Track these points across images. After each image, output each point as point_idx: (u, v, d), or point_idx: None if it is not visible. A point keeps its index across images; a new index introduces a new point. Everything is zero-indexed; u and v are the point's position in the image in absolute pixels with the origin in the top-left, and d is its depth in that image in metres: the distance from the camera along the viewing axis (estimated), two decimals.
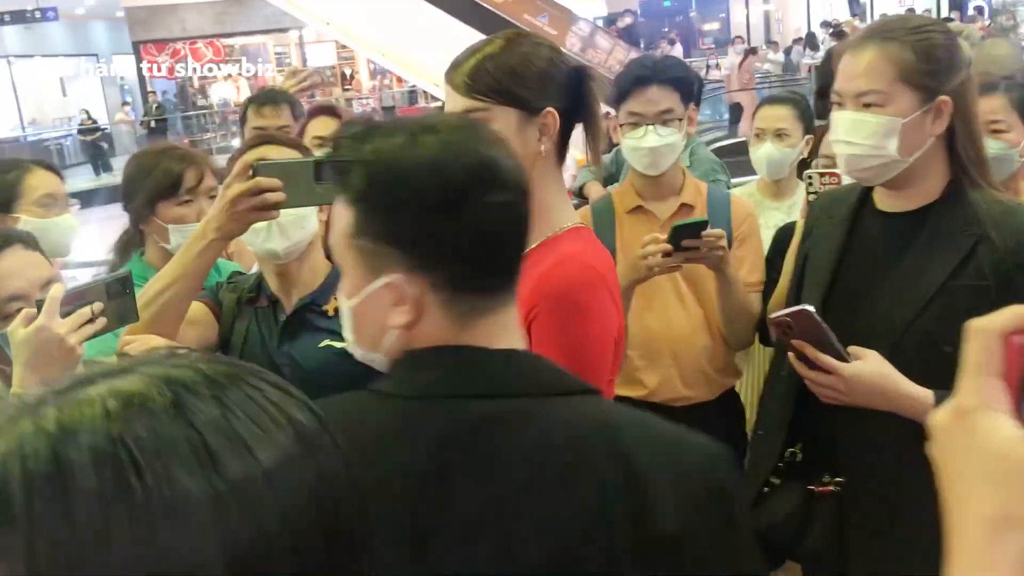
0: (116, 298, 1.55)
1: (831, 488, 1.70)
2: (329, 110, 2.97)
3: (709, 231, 1.98)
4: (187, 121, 20.61)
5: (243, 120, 2.99)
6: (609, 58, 14.02)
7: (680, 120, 2.22)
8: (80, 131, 19.00)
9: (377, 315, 0.97)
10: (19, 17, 18.80)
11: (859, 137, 1.60)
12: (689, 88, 2.26)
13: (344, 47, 25.64)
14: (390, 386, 0.97)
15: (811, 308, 1.54)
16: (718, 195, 2.35)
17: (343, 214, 0.98)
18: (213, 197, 2.19)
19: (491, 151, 0.96)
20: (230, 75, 21.94)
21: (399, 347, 0.98)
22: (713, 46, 22.76)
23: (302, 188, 1.55)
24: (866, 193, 1.73)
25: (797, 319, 1.54)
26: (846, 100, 1.63)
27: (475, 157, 0.95)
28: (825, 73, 3.34)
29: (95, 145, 18.43)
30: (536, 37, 1.52)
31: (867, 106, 1.59)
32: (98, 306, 1.51)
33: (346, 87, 24.43)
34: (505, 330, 0.99)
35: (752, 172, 2.94)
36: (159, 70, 20.12)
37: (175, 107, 21.30)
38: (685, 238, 1.97)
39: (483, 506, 0.89)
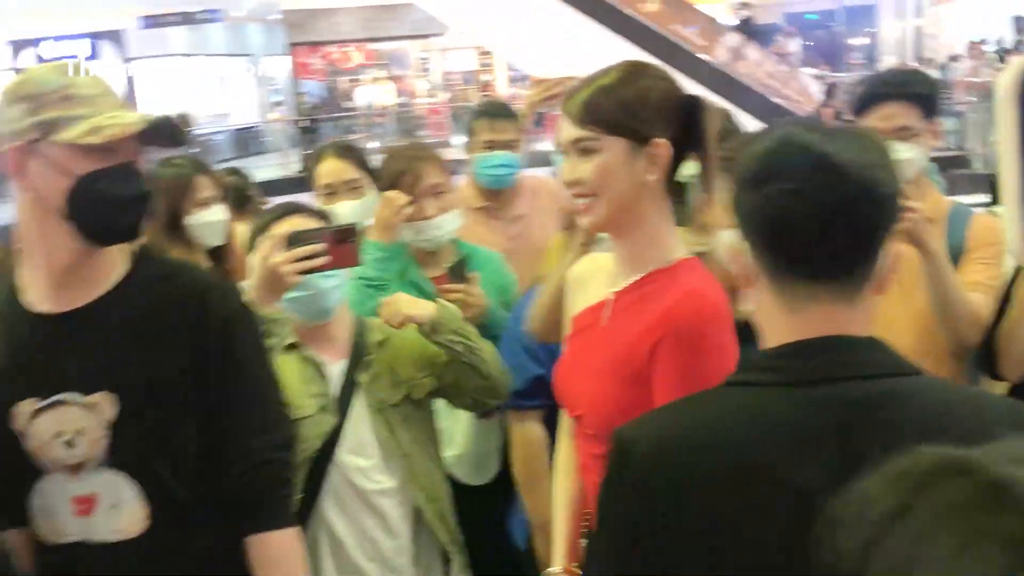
0: (341, 243, 1.82)
1: None
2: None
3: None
4: (334, 122, 21.26)
5: (473, 131, 3.01)
6: (758, 70, 13.86)
7: (918, 136, 2.19)
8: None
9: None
10: (188, 19, 19.94)
11: None
12: (931, 102, 2.24)
13: (485, 53, 26.09)
14: (771, 377, 1.04)
15: None
16: (959, 210, 2.28)
17: None
18: (438, 194, 2.36)
19: (825, 147, 1.00)
20: (377, 78, 22.63)
21: (759, 320, 1.09)
22: (864, 61, 22.10)
23: None
24: None
25: None
26: None
27: (790, 149, 1.01)
28: None
29: None
30: (655, 70, 1.52)
31: None
32: (320, 247, 1.78)
33: (484, 93, 24.83)
34: (845, 321, 1.04)
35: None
36: (310, 71, 20.85)
37: (316, 108, 22.02)
38: None
39: None
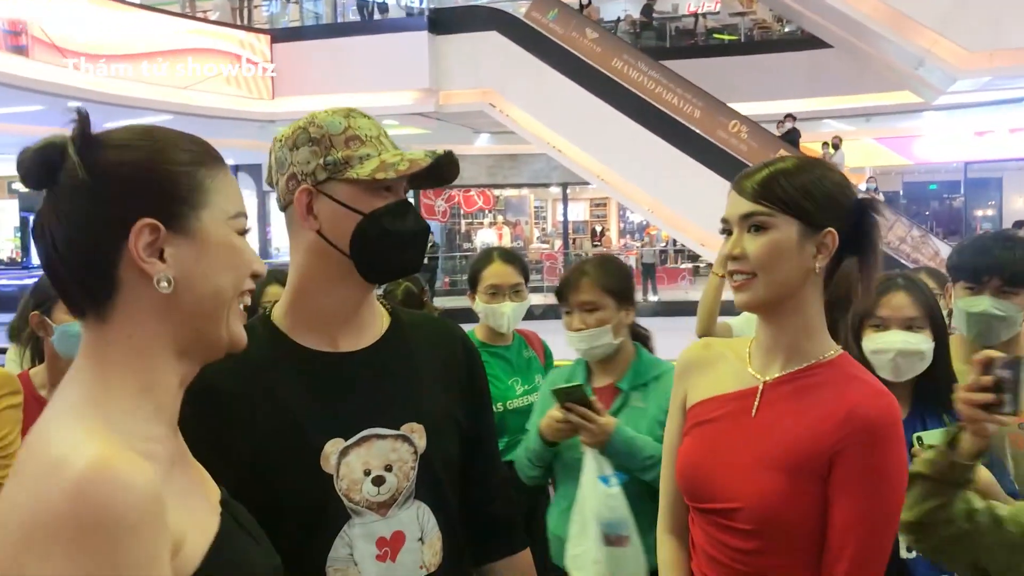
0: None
1: None
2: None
3: None
4: (450, 262, 21.76)
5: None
6: (888, 233, 13.69)
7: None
8: None
9: None
10: None
11: None
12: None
13: (599, 205, 26.64)
14: None
15: None
16: None
17: None
18: (591, 311, 2.44)
19: None
20: (494, 222, 23.25)
21: None
22: (991, 230, 21.69)
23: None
24: None
25: None
26: None
27: None
28: None
29: None
30: (828, 163, 1.55)
31: None
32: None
33: (595, 243, 25.18)
34: None
35: None
36: (433, 212, 21.55)
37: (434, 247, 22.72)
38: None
39: None
